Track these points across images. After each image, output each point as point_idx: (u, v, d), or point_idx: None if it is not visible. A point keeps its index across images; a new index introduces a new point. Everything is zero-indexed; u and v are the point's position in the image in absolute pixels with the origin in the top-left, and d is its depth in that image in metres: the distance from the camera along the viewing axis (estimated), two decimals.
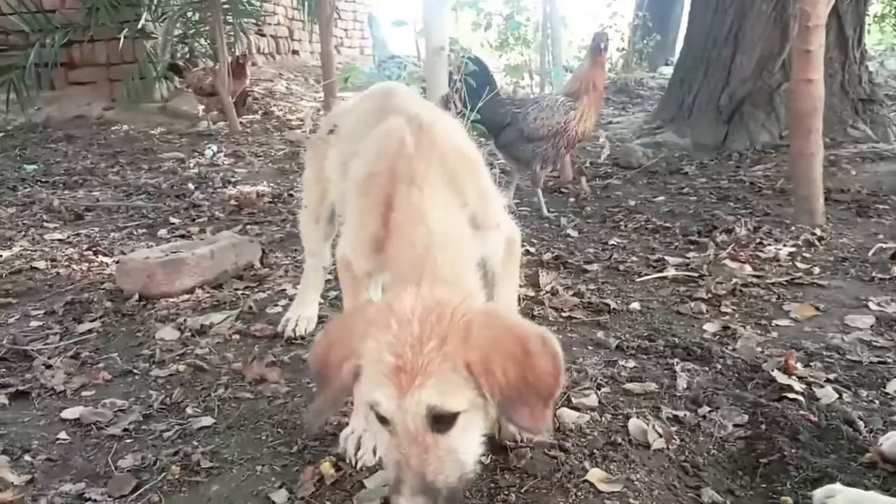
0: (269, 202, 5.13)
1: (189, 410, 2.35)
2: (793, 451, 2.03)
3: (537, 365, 1.52)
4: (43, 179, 6.04)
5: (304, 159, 2.91)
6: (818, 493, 1.79)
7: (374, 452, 1.99)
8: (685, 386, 2.39)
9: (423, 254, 1.69)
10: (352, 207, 2.03)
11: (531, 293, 3.23)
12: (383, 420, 1.51)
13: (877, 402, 2.30)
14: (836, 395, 2.32)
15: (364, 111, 2.37)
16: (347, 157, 2.19)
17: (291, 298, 3.15)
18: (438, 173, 1.83)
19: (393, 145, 1.89)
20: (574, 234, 4.34)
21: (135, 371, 2.64)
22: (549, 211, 4.76)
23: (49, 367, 2.66)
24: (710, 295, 3.22)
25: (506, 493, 1.86)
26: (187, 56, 9.29)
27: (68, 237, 4.42)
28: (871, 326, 2.87)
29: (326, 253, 2.93)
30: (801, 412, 2.20)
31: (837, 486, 1.80)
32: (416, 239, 1.71)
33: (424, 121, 1.97)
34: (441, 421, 1.49)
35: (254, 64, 10.26)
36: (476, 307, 1.58)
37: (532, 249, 3.95)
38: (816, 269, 3.53)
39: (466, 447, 1.54)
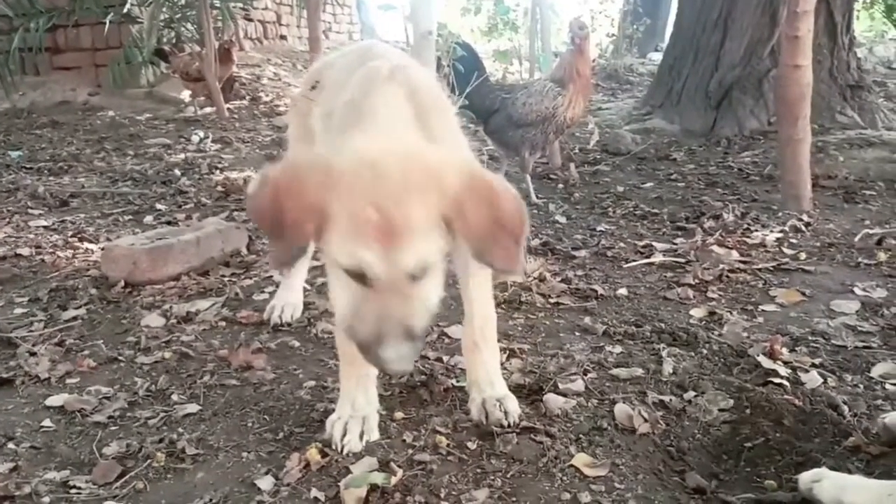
0: None
1: (174, 397, 2.33)
2: (777, 435, 2.04)
3: (505, 206, 1.56)
4: (27, 166, 5.98)
5: (288, 117, 2.89)
6: (804, 477, 1.80)
7: (361, 438, 1.99)
8: (671, 371, 2.40)
9: (387, 113, 1.71)
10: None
11: (518, 279, 3.23)
12: (359, 277, 1.49)
13: (861, 386, 2.32)
14: (821, 380, 2.33)
15: (346, 64, 2.36)
16: (332, 108, 2.17)
17: (278, 285, 3.13)
18: (409, 102, 1.80)
19: (369, 76, 1.88)
20: (562, 220, 4.34)
21: (120, 358, 2.62)
22: (537, 197, 4.75)
23: (33, 354, 2.64)
24: (697, 281, 3.22)
25: (491, 478, 1.86)
26: (174, 41, 9.20)
27: (53, 224, 4.38)
28: (857, 311, 2.88)
29: None
30: (786, 397, 2.21)
31: (823, 470, 1.81)
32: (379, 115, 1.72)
33: (403, 63, 1.98)
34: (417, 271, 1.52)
35: (241, 49, 10.17)
36: (443, 153, 1.60)
37: None
38: (803, 255, 3.54)
39: (434, 291, 1.60)
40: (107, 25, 8.27)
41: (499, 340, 2.24)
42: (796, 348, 2.57)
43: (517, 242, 1.58)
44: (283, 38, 12.35)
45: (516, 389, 2.25)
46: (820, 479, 1.76)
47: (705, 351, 2.56)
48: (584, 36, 4.68)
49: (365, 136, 1.62)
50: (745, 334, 2.69)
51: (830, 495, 1.72)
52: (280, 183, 1.50)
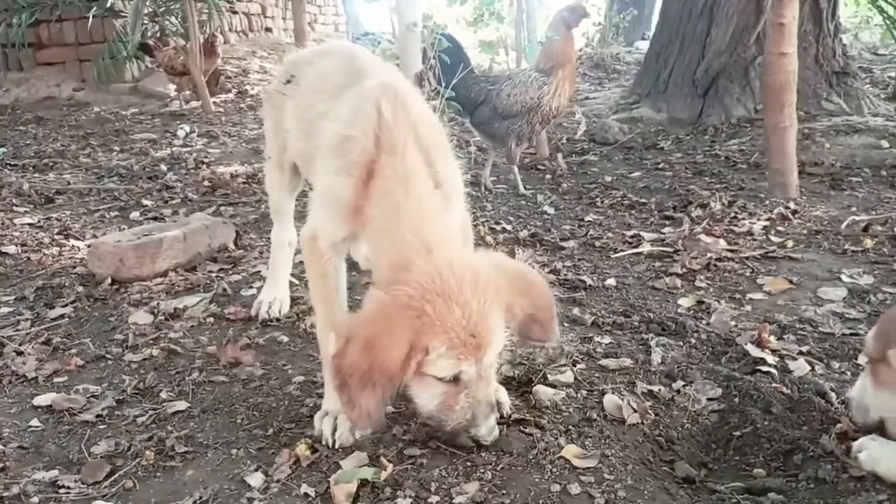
0: (244, 182, 5.07)
1: (163, 395, 2.33)
2: (765, 423, 2.05)
3: (539, 293, 1.88)
4: (12, 162, 5.92)
5: (263, 110, 2.89)
6: (854, 445, 1.87)
7: (352, 432, 1.99)
8: (660, 361, 2.41)
9: (417, 215, 1.79)
10: (323, 170, 2.03)
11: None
12: (451, 381, 1.76)
13: (848, 373, 2.33)
14: (809, 368, 2.35)
15: (328, 69, 2.35)
16: (311, 116, 2.19)
17: (266, 280, 3.11)
18: (414, 142, 1.86)
19: (371, 111, 1.90)
20: (550, 211, 4.33)
21: (108, 356, 2.61)
22: (525, 188, 4.75)
23: (20, 353, 2.63)
24: (684, 270, 3.23)
25: (482, 470, 1.86)
26: (158, 35, 9.13)
27: (39, 221, 4.34)
28: (844, 299, 2.90)
29: (290, 212, 2.91)
30: (774, 385, 2.23)
31: (865, 440, 1.87)
32: (409, 203, 1.79)
33: (399, 89, 1.99)
34: None
35: (226, 42, 10.10)
36: (485, 261, 1.84)
37: (509, 227, 3.95)
38: (790, 243, 3.55)
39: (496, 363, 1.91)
40: (90, 20, 8.20)
41: None
42: (784, 336, 2.58)
43: (551, 316, 1.90)
44: (268, 30, 12.28)
45: (506, 381, 2.25)
46: (861, 449, 1.84)
47: (693, 340, 2.57)
48: (579, 21, 4.67)
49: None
50: (732, 323, 2.70)
51: (868, 464, 1.81)
52: (369, 333, 1.68)
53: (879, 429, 1.88)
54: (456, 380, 1.76)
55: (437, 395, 1.80)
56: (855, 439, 1.93)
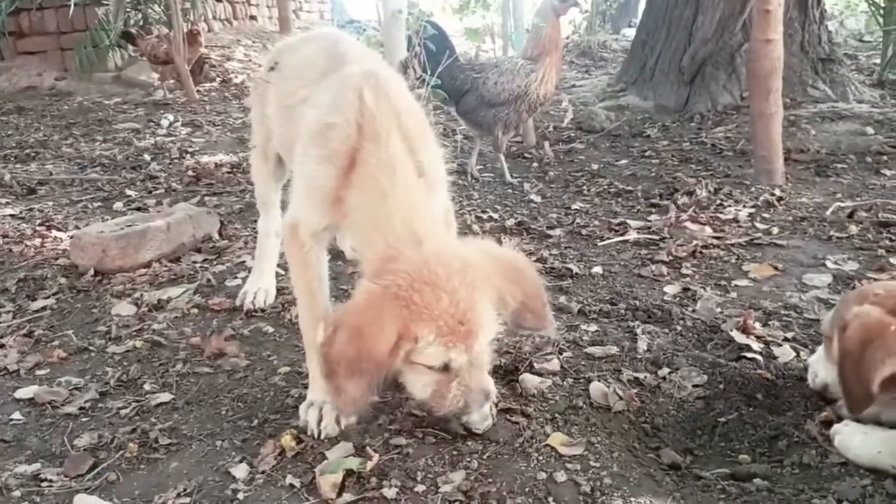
0: (228, 172, 5.03)
1: (147, 387, 2.31)
2: (750, 409, 2.06)
3: (529, 279, 1.87)
4: None
5: (250, 99, 2.87)
6: (833, 429, 1.91)
7: (338, 422, 1.98)
8: (645, 348, 2.41)
9: (405, 204, 1.78)
10: (303, 157, 2.00)
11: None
12: (442, 369, 1.76)
13: None
14: (794, 354, 2.36)
15: (310, 54, 2.33)
16: (292, 102, 2.18)
17: (251, 270, 3.10)
18: (397, 130, 1.85)
19: (352, 98, 1.88)
20: (537, 199, 4.32)
21: (91, 348, 2.59)
22: (512, 176, 4.73)
23: (2, 346, 2.60)
24: (670, 257, 3.24)
25: (468, 459, 1.86)
26: (140, 23, 9.03)
27: (20, 212, 4.30)
28: (829, 285, 2.91)
29: (277, 202, 2.88)
30: (759, 371, 2.24)
31: (840, 425, 1.90)
32: (396, 192, 1.78)
33: (381, 75, 1.98)
34: None
35: (210, 30, 10.02)
36: (474, 249, 1.84)
37: (495, 215, 3.94)
38: (775, 229, 3.56)
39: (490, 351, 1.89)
40: (71, 8, 8.10)
41: None
42: (769, 322, 2.59)
43: (544, 303, 1.88)
44: (252, 18, 12.17)
45: (492, 370, 2.24)
46: (836, 433, 1.89)
47: (679, 327, 2.57)
48: (567, 9, 4.64)
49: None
50: (718, 310, 2.71)
51: (841, 449, 1.85)
52: (357, 322, 1.67)
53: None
54: (446, 368, 1.76)
55: (430, 384, 1.80)
56: None
